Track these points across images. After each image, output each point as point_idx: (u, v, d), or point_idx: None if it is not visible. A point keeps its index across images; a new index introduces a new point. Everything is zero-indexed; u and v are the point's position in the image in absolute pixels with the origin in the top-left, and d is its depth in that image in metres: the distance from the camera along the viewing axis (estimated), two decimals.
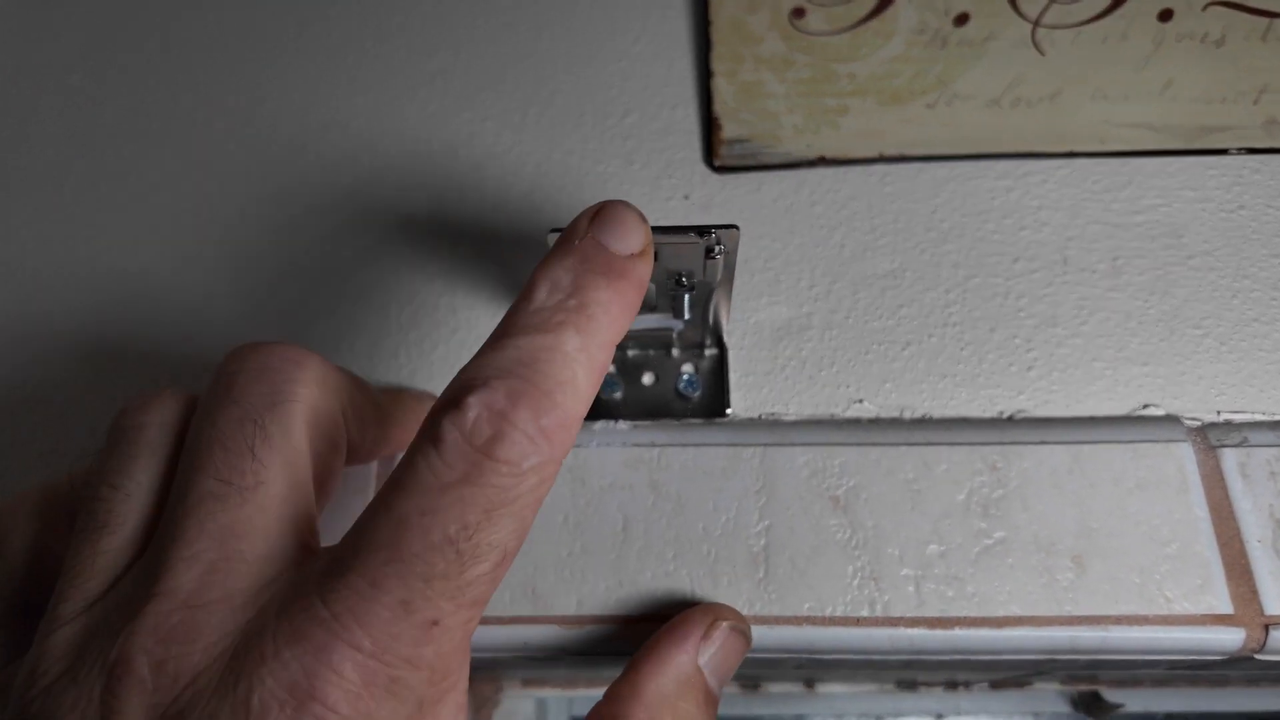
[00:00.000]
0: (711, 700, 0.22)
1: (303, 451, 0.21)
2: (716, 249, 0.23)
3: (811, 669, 0.35)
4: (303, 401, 0.21)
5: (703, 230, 0.23)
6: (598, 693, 0.40)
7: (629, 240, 0.21)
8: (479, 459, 0.17)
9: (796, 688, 0.37)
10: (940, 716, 0.39)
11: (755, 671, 0.36)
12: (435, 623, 0.17)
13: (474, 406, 0.17)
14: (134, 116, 0.34)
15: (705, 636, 0.23)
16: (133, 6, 0.36)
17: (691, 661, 0.22)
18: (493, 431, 0.17)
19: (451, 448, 0.17)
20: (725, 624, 0.23)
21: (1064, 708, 0.39)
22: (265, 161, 0.33)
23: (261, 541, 0.19)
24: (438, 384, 0.29)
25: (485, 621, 0.25)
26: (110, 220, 0.32)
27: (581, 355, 0.19)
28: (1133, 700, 0.37)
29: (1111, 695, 0.37)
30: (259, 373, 0.21)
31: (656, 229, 0.23)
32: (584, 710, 0.41)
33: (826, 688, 0.37)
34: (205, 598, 0.18)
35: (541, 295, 0.19)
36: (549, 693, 0.37)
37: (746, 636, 0.24)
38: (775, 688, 0.38)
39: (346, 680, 0.16)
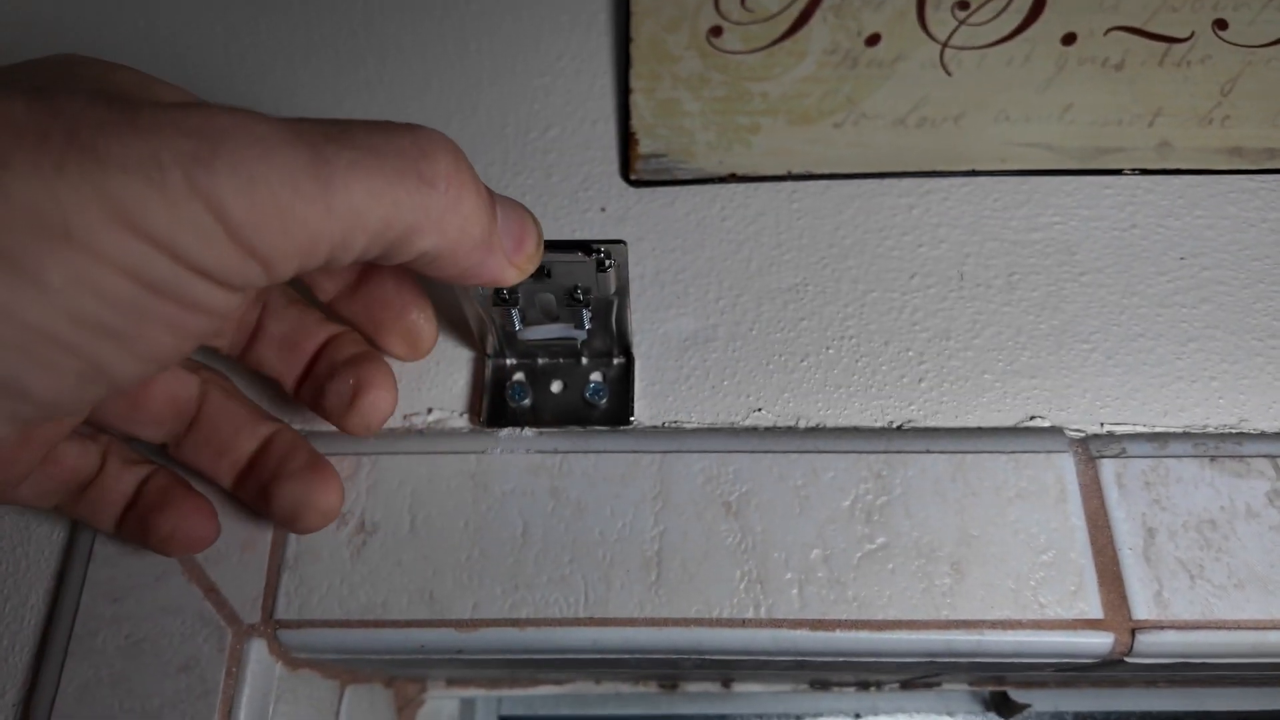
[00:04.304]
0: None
1: None
2: (607, 263, 0.24)
3: (722, 668, 0.36)
4: None
5: (589, 249, 0.24)
6: (525, 692, 0.41)
7: None
8: None
9: (714, 687, 0.38)
10: (858, 716, 0.40)
11: (666, 671, 0.37)
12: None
13: None
14: None
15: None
16: (74, 21, 0.37)
17: None
18: None
19: None
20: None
21: (975, 707, 0.40)
22: None
23: None
24: None
25: (379, 625, 0.26)
26: None
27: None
28: (1039, 700, 0.38)
29: (1019, 695, 0.38)
30: None
31: (548, 244, 0.24)
32: (512, 709, 0.42)
33: (744, 687, 0.38)
34: None
35: None
36: (476, 692, 0.38)
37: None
38: (694, 687, 0.39)
39: None
